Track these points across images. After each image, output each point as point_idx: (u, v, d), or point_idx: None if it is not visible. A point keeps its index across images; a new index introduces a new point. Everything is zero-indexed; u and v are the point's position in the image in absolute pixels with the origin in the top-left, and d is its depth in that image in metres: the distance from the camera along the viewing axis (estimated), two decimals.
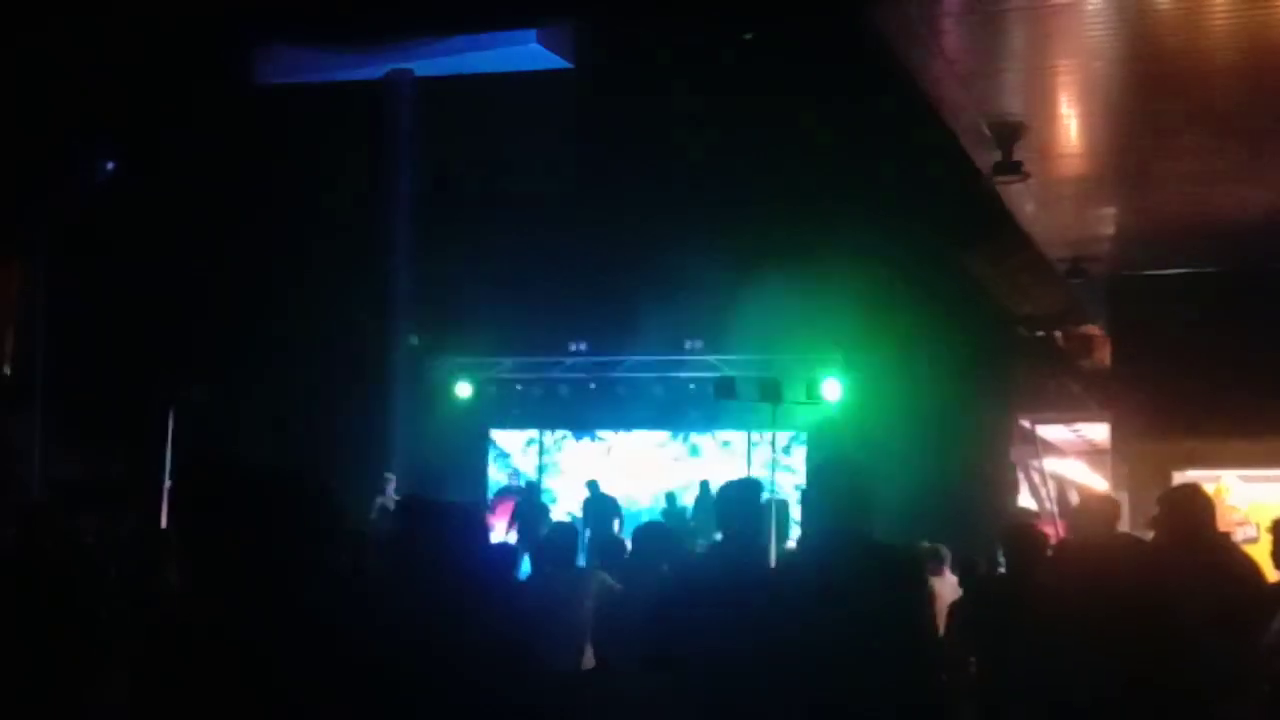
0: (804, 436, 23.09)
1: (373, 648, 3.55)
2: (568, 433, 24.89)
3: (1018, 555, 7.13)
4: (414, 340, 23.64)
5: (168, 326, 20.98)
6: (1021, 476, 18.10)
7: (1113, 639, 3.69)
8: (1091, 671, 3.68)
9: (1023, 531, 7.67)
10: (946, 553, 10.84)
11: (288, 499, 3.34)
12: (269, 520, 3.28)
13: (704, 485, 21.25)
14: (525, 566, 12.49)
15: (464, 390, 23.82)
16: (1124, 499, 12.45)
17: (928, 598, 5.60)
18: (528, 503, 21.71)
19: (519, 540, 18.71)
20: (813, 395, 21.53)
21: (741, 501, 5.72)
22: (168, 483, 17.55)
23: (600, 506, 20.94)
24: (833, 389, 21.90)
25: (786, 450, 23.01)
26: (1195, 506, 6.78)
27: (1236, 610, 5.96)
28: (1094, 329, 16.79)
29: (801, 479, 22.03)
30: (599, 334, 23.52)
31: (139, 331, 20.72)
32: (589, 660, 7.32)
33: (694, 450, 24.22)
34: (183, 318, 21.21)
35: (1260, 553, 7.46)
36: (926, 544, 10.47)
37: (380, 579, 6.06)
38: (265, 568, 3.27)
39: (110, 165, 21.07)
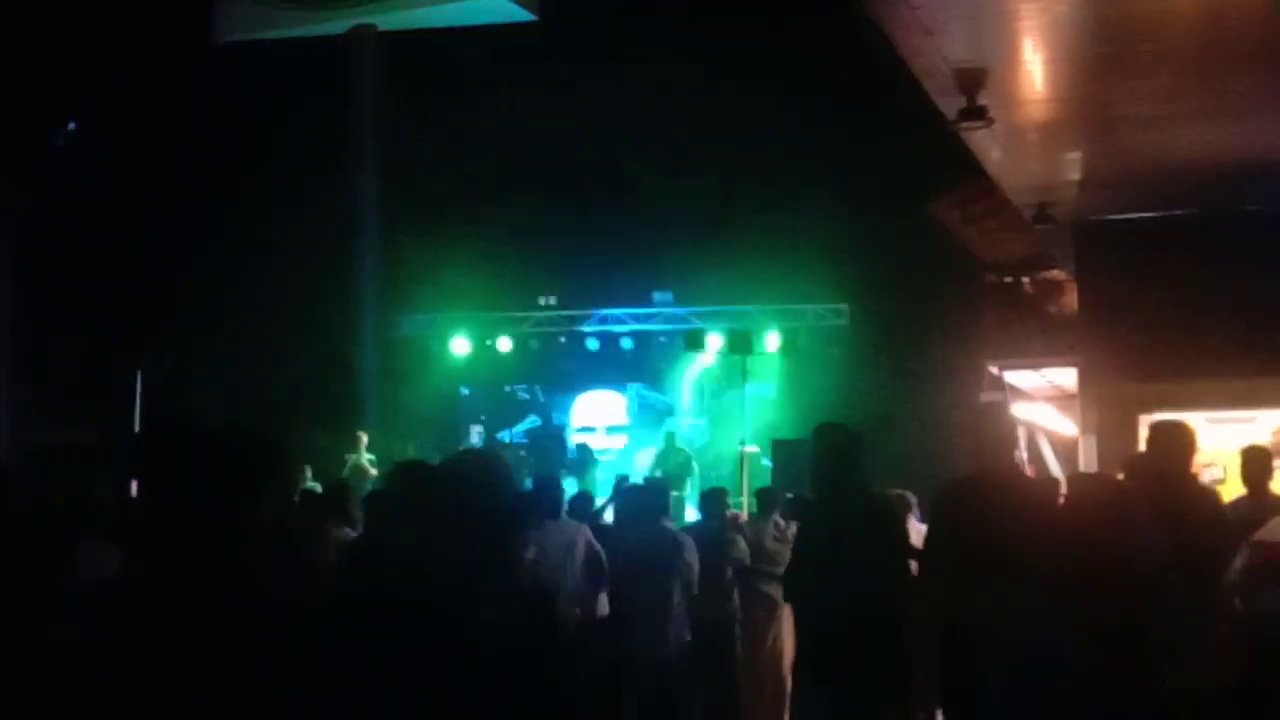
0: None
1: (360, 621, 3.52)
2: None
3: None
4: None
5: (135, 291, 20.85)
6: None
7: (1075, 582, 3.72)
8: (1053, 614, 3.71)
9: None
10: (913, 499, 10.93)
11: (237, 458, 3.29)
12: (221, 481, 3.24)
13: (668, 436, 21.15)
14: None
15: (461, 347, 23.85)
16: (1092, 443, 12.57)
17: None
18: None
19: None
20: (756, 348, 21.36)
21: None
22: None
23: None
24: (773, 341, 22.00)
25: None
26: (1174, 442, 6.69)
27: (1198, 550, 5.98)
28: (1061, 274, 16.83)
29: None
30: (568, 288, 23.48)
31: (107, 296, 20.58)
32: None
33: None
34: (150, 282, 21.07)
35: (1226, 494, 7.50)
36: (896, 491, 10.53)
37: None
38: (219, 528, 3.23)
39: (73, 125, 20.86)
